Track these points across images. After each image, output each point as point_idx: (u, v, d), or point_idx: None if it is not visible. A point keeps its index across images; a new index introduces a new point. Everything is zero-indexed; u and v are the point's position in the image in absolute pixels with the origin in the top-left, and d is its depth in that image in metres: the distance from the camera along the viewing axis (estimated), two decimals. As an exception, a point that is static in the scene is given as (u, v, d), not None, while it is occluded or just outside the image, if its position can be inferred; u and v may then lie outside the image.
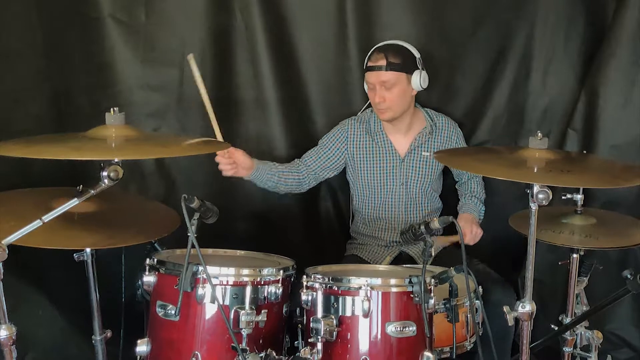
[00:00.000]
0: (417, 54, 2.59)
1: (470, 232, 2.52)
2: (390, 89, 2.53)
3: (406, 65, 2.55)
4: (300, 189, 2.73)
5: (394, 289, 1.87)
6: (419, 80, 2.56)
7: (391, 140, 2.69)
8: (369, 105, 2.73)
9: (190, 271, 1.78)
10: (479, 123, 2.95)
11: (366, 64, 2.58)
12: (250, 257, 2.18)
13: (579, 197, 2.14)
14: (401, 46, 2.59)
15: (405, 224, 2.16)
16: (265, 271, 1.89)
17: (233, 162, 2.45)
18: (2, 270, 1.53)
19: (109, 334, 1.99)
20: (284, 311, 1.97)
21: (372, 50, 2.59)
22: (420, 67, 2.57)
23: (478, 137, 2.96)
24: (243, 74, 2.83)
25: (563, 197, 2.13)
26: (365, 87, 2.65)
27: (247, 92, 2.85)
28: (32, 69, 2.51)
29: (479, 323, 2.10)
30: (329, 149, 2.71)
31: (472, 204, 2.76)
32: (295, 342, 2.05)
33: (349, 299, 1.85)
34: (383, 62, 2.51)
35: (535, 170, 1.82)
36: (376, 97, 2.55)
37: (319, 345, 1.83)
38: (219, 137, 2.35)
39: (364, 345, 1.84)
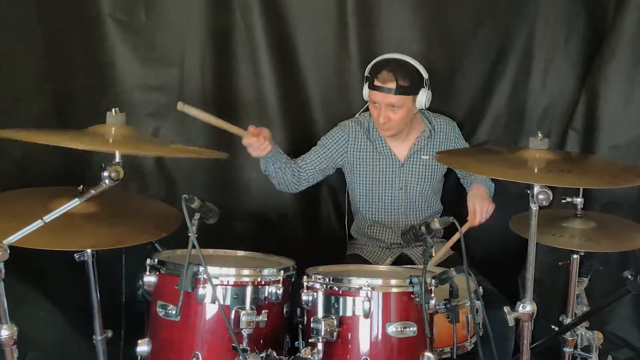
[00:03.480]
0: (425, 74, 2.53)
1: (480, 209, 2.46)
2: (396, 110, 2.49)
3: (414, 87, 2.49)
4: (296, 189, 2.68)
5: (394, 290, 1.87)
6: (424, 100, 2.52)
7: (390, 147, 2.67)
8: (367, 109, 2.72)
9: (191, 271, 1.78)
10: (479, 123, 2.95)
11: (372, 80, 2.49)
12: (250, 257, 2.18)
13: (578, 200, 2.14)
14: (411, 66, 2.52)
15: (405, 227, 2.16)
16: (265, 271, 1.89)
17: (263, 137, 2.36)
18: (3, 271, 1.53)
19: (109, 334, 1.99)
20: (284, 311, 1.97)
21: (379, 64, 2.52)
22: (426, 87, 2.53)
23: (478, 137, 2.96)
24: (243, 74, 2.83)
25: (563, 201, 2.13)
26: (365, 92, 2.58)
27: (247, 92, 2.85)
28: (32, 69, 2.51)
29: (479, 323, 2.09)
30: (329, 149, 2.68)
31: (481, 179, 2.67)
32: (296, 343, 2.05)
33: (349, 299, 1.85)
34: (392, 85, 2.44)
35: (535, 171, 1.82)
36: (380, 118, 2.50)
37: (320, 346, 1.83)
38: (239, 131, 2.34)
39: (364, 345, 1.84)
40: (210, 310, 1.82)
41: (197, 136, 2.83)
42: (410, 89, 2.48)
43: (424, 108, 2.56)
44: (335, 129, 2.72)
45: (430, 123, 2.71)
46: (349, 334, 1.85)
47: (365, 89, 2.58)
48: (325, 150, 2.69)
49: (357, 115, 2.77)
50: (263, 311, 1.83)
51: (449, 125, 2.75)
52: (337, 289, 1.87)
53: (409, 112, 2.54)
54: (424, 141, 2.68)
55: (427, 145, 2.69)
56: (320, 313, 1.88)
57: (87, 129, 1.73)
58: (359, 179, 2.71)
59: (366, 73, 2.58)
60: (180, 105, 2.25)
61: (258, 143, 2.35)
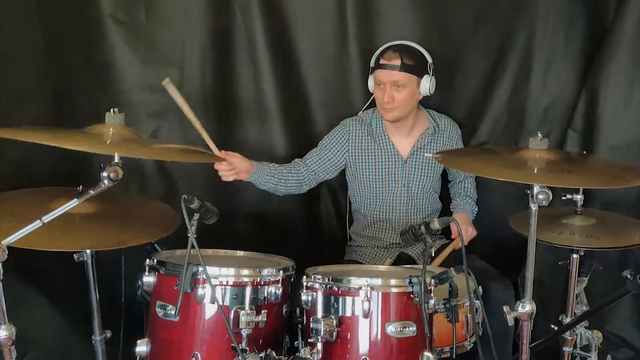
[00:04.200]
0: (429, 59, 2.56)
1: (465, 232, 2.51)
2: (400, 90, 2.51)
3: (419, 68, 2.52)
4: (299, 190, 2.71)
5: (394, 290, 1.87)
6: (427, 85, 2.54)
7: (393, 142, 2.68)
8: (369, 106, 2.72)
9: (190, 272, 1.78)
10: (479, 123, 2.95)
11: (377, 61, 2.54)
12: (250, 257, 2.18)
13: (578, 197, 2.14)
14: (416, 49, 2.56)
15: (406, 225, 2.16)
16: (265, 271, 1.89)
17: (232, 168, 2.42)
18: (1, 271, 1.53)
19: (108, 334, 1.99)
20: (283, 311, 1.97)
21: (384, 47, 2.56)
22: (430, 73, 2.55)
23: (478, 137, 2.96)
24: (243, 74, 2.83)
25: (563, 198, 2.13)
26: (371, 83, 2.61)
27: (247, 93, 2.85)
28: (32, 69, 2.52)
29: (478, 323, 2.09)
30: (330, 150, 2.69)
31: (465, 204, 2.78)
32: (295, 343, 2.05)
33: (349, 299, 1.85)
34: (397, 62, 2.48)
35: (535, 171, 1.82)
36: (385, 96, 2.52)
37: (319, 346, 1.84)
38: (215, 150, 2.34)
39: (364, 345, 1.84)
40: (210, 311, 1.82)
41: (197, 137, 2.83)
42: (414, 68, 2.51)
43: (428, 94, 2.57)
44: (335, 130, 2.73)
45: (434, 121, 2.72)
46: (349, 334, 1.84)
47: (371, 80, 2.60)
48: (325, 152, 2.69)
49: (359, 113, 2.77)
50: (262, 311, 1.83)
51: (452, 126, 2.77)
52: (336, 289, 1.87)
53: (412, 95, 2.55)
54: (427, 138, 2.68)
55: (430, 142, 2.69)
56: (319, 313, 1.88)
57: (87, 129, 1.73)
58: (361, 176, 2.70)
59: (371, 64, 2.59)
60: (167, 82, 2.22)
61: (223, 170, 2.40)
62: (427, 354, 1.85)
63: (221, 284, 1.82)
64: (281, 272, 1.92)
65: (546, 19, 2.80)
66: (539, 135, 1.87)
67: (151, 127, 2.78)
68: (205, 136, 2.31)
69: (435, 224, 1.98)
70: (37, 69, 2.53)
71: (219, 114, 2.86)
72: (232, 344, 1.75)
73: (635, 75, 2.63)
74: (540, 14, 2.80)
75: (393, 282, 1.89)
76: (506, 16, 2.83)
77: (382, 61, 2.52)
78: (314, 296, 1.90)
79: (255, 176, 2.52)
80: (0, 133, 1.57)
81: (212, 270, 1.81)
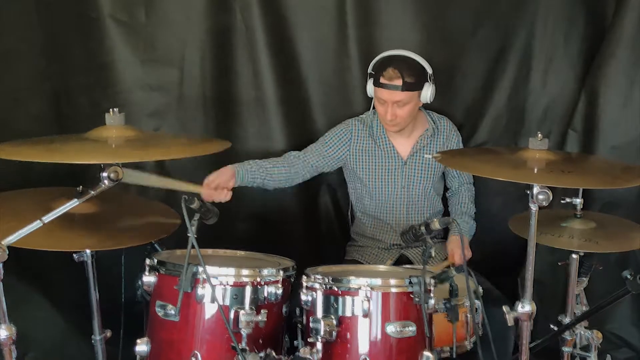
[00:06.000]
0: (429, 69, 2.54)
1: (459, 256, 2.44)
2: (403, 107, 2.49)
3: (420, 82, 2.50)
4: (290, 184, 2.66)
5: (393, 290, 1.87)
6: (428, 94, 2.52)
7: (393, 144, 2.67)
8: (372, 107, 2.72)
9: (190, 271, 1.79)
10: (479, 123, 2.94)
11: (378, 78, 2.48)
12: (250, 257, 2.18)
13: (578, 201, 2.14)
14: (416, 62, 2.52)
15: (406, 226, 2.16)
16: (265, 271, 1.90)
17: (220, 188, 2.32)
18: (2, 271, 1.54)
19: (108, 334, 1.99)
20: (283, 311, 1.97)
21: (384, 61, 2.52)
22: (430, 81, 2.53)
23: (478, 137, 2.95)
24: (243, 74, 2.82)
25: (562, 202, 2.12)
26: (370, 89, 2.58)
27: (247, 92, 2.85)
28: (32, 69, 2.52)
29: (478, 323, 2.09)
30: (331, 147, 2.67)
31: (461, 222, 2.71)
32: (295, 342, 2.05)
33: (348, 299, 1.85)
34: (399, 82, 2.44)
35: (535, 171, 1.82)
36: (388, 115, 2.50)
37: (319, 345, 1.84)
38: (196, 188, 2.25)
39: (363, 345, 1.84)
40: (210, 310, 1.82)
41: (197, 136, 2.83)
42: (416, 85, 2.49)
43: (428, 102, 2.56)
44: (337, 127, 2.71)
45: (434, 122, 2.72)
46: (348, 334, 1.85)
47: (370, 86, 2.57)
48: (326, 149, 2.68)
49: (362, 115, 2.77)
50: (262, 311, 1.83)
51: (452, 128, 2.76)
52: (336, 289, 1.87)
53: (415, 107, 2.55)
54: (426, 140, 2.68)
55: (429, 144, 2.69)
56: (319, 313, 1.88)
57: (87, 134, 1.73)
58: (361, 177, 2.70)
59: (370, 70, 2.57)
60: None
61: (217, 195, 2.30)
62: (427, 353, 1.85)
63: (221, 283, 1.83)
64: (281, 272, 1.92)
65: (546, 19, 2.79)
66: (539, 135, 1.88)
67: (151, 127, 2.77)
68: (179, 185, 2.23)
69: (436, 224, 1.98)
70: (37, 69, 2.53)
71: (218, 114, 2.86)
72: (232, 344, 1.76)
73: (635, 75, 2.63)
74: (540, 14, 2.79)
75: (393, 282, 1.89)
76: (506, 16, 2.82)
77: (382, 80, 2.46)
78: (314, 296, 1.90)
79: (238, 178, 2.45)
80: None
81: (212, 270, 1.81)
